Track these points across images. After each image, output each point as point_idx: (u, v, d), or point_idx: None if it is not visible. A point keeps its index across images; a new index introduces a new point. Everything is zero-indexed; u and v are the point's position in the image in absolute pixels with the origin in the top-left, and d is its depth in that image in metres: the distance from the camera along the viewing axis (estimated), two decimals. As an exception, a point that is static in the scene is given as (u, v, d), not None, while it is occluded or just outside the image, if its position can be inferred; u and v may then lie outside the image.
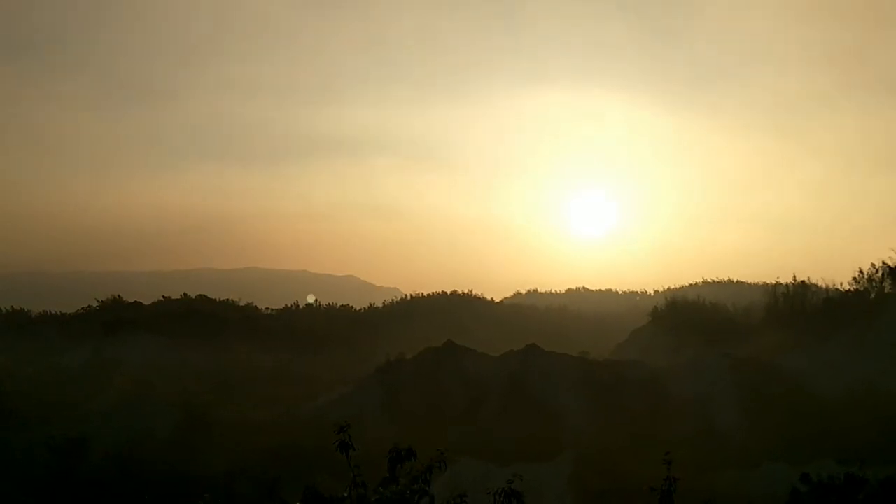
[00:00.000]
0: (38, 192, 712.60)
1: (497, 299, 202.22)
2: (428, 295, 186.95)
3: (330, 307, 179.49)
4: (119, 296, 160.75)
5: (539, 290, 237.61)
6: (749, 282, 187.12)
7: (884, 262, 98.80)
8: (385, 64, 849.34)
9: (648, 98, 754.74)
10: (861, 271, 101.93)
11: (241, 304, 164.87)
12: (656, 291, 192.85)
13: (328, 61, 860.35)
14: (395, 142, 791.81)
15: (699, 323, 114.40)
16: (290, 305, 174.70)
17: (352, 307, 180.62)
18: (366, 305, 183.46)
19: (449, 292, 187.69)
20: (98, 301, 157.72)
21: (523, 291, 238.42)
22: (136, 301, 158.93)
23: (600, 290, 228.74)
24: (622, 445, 72.79)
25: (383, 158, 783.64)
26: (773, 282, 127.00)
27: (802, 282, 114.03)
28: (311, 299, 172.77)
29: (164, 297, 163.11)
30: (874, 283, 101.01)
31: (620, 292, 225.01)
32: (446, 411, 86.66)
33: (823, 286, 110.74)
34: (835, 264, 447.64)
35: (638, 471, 55.76)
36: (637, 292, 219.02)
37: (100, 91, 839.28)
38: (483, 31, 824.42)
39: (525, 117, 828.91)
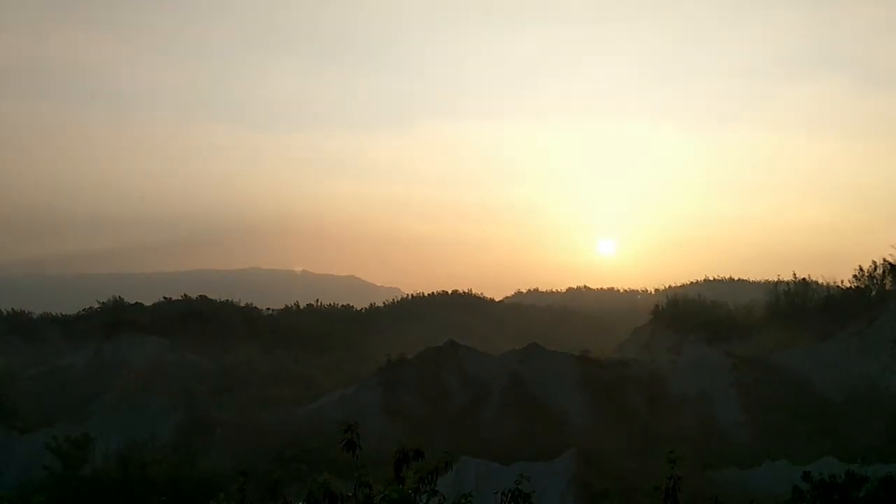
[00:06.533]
0: (39, 192, 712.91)
1: (498, 298, 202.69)
2: (429, 295, 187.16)
3: (331, 307, 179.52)
4: (120, 297, 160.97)
5: (540, 289, 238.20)
6: (750, 280, 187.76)
7: (884, 260, 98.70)
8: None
9: (649, 98, 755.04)
10: (862, 269, 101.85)
11: (242, 304, 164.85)
12: (657, 290, 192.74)
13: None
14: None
15: (700, 321, 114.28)
16: (290, 306, 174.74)
17: (353, 307, 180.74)
18: (367, 305, 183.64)
19: (450, 292, 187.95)
20: (99, 302, 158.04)
21: (524, 290, 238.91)
22: (137, 302, 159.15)
23: (601, 289, 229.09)
24: (623, 444, 72.75)
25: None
26: (775, 279, 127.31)
27: (803, 279, 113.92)
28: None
29: (164, 298, 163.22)
30: (875, 281, 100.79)
31: (621, 291, 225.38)
32: (447, 411, 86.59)
33: (824, 284, 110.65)
34: (836, 262, 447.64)
35: (640, 469, 55.79)
36: (638, 291, 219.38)
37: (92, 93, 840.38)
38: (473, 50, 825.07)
39: (527, 115, 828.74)
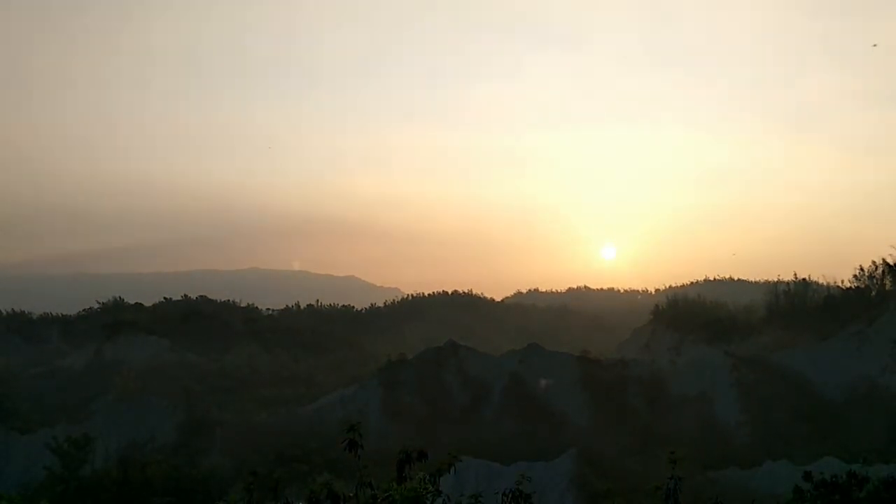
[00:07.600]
0: (39, 192, 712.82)
1: (498, 298, 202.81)
2: (429, 295, 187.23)
3: (331, 307, 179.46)
4: (120, 297, 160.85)
5: (540, 289, 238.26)
6: (750, 280, 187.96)
7: (884, 260, 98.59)
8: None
9: (649, 95, 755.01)
10: (862, 269, 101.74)
11: (243, 304, 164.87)
12: (657, 290, 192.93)
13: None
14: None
15: (700, 321, 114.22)
16: (290, 306, 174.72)
17: (353, 307, 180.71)
18: (367, 305, 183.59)
19: (450, 292, 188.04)
20: (99, 303, 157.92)
21: (524, 291, 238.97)
22: (137, 302, 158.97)
23: (601, 289, 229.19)
24: (624, 444, 72.73)
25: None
26: (774, 280, 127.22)
27: (803, 280, 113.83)
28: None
29: (165, 298, 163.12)
30: (875, 281, 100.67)
31: (622, 291, 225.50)
32: (447, 411, 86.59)
33: (824, 284, 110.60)
34: (836, 262, 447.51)
35: (640, 469, 55.81)
36: (638, 291, 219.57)
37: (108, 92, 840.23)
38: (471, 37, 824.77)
39: (527, 116, 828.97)
